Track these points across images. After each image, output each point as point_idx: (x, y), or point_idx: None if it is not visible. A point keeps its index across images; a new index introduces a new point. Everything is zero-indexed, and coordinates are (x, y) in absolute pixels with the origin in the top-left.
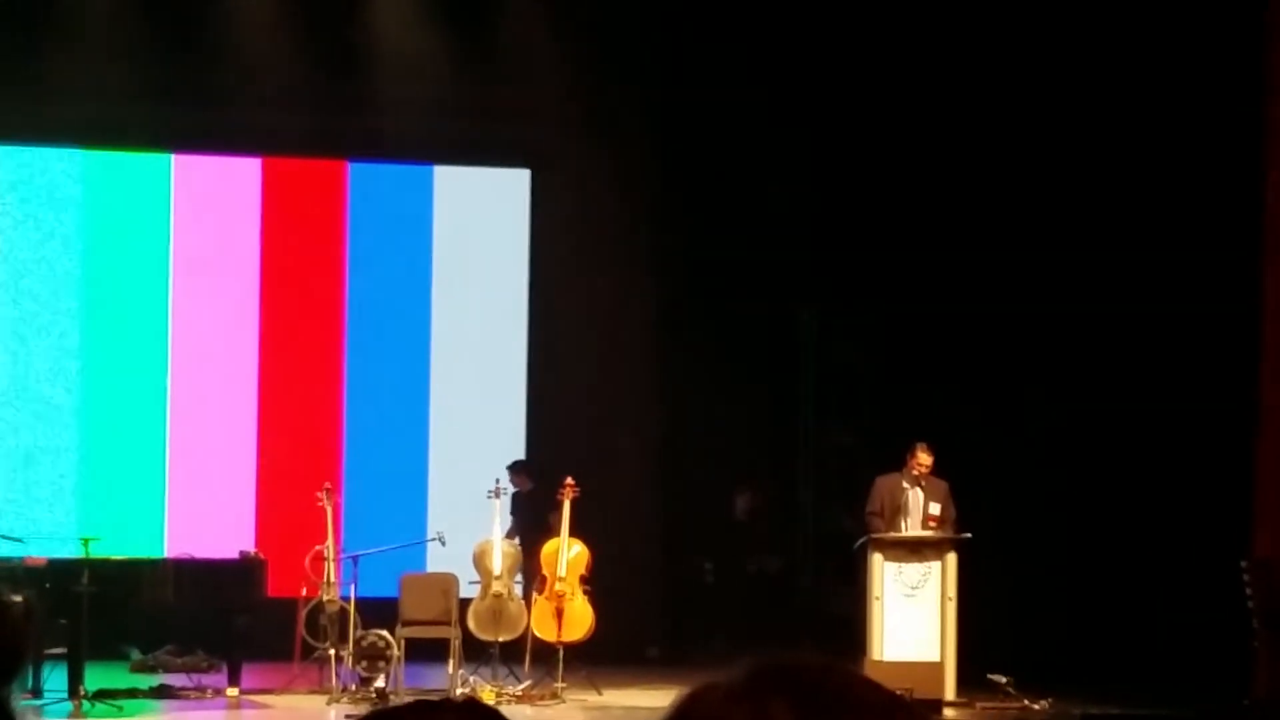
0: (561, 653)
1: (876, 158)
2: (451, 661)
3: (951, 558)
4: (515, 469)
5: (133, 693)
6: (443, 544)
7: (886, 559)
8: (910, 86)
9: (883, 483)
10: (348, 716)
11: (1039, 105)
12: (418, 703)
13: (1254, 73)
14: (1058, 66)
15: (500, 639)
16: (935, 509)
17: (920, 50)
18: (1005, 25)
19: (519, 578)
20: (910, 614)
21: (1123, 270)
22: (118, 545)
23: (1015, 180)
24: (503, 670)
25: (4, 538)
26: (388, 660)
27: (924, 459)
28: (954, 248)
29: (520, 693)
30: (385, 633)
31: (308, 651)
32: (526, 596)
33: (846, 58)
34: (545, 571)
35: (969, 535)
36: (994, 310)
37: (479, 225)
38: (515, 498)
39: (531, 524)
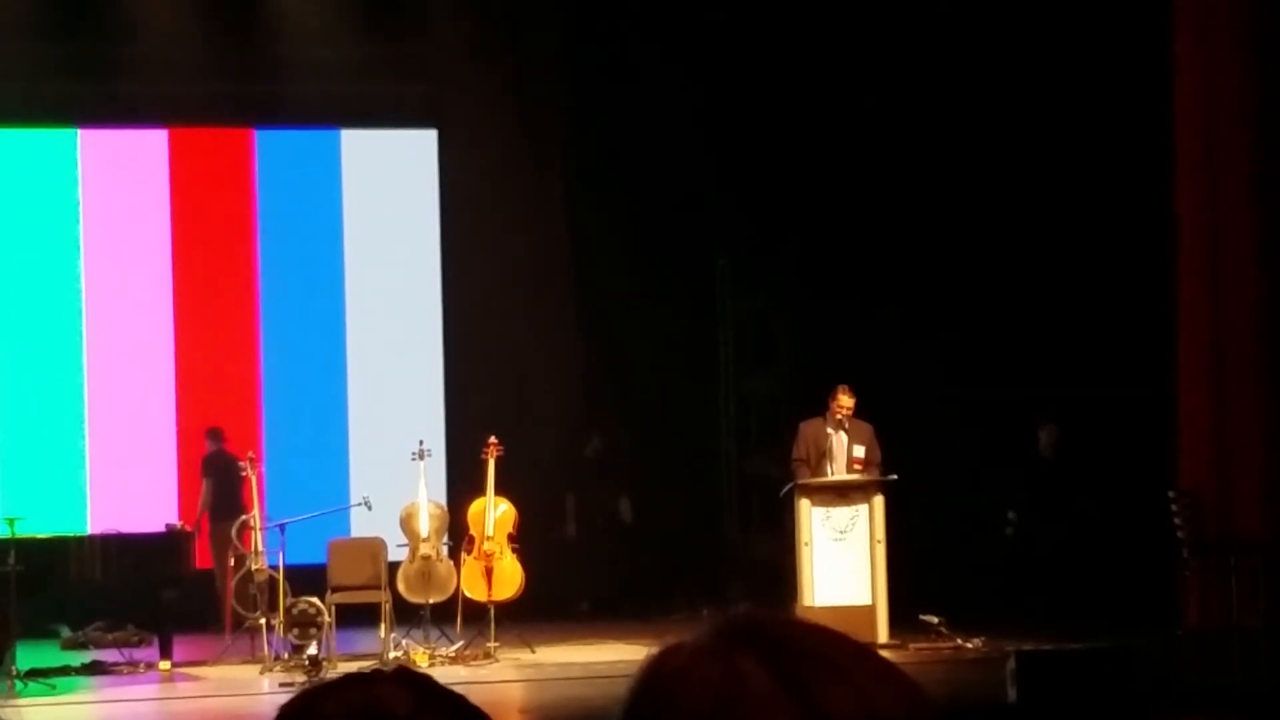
0: (493, 612)
1: (786, 106)
2: (383, 625)
3: (879, 500)
4: (207, 435)
5: (65, 670)
6: (369, 508)
7: (814, 504)
8: (819, 27)
9: (806, 428)
10: (281, 685)
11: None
12: (349, 676)
13: None
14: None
15: (431, 601)
16: (860, 451)
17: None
18: None
19: (446, 539)
20: (840, 558)
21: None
22: (42, 523)
23: (929, 123)
24: (435, 632)
25: None
26: (319, 627)
27: (845, 401)
28: (869, 193)
29: (453, 654)
30: (315, 599)
31: (238, 622)
32: (455, 557)
33: (755, 6)
34: (473, 531)
35: (895, 477)
36: (913, 255)
37: (388, 187)
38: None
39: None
